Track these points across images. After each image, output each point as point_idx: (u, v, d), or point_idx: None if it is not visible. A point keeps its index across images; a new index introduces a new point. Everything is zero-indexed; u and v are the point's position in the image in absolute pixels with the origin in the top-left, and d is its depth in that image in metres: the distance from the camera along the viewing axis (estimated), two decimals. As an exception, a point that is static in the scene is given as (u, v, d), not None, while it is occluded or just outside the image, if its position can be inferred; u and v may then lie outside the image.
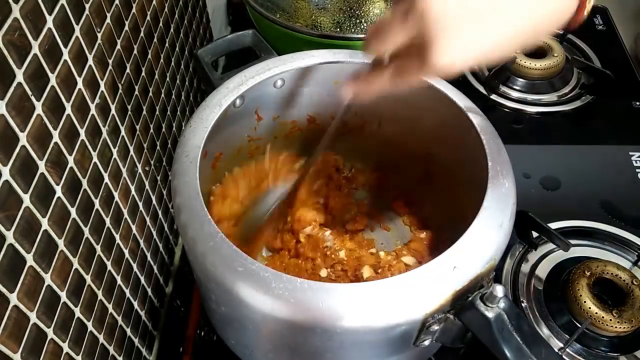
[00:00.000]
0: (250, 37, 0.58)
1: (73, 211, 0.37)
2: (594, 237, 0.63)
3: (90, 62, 0.39)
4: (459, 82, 0.80)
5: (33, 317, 0.33)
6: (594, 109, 0.79)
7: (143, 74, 0.50)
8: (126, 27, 0.46)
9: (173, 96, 0.60)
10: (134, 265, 0.49)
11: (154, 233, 0.55)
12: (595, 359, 0.53)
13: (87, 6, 0.38)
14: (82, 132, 0.38)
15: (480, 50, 0.32)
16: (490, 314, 0.36)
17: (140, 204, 0.50)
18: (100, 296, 0.42)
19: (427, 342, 0.40)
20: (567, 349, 0.53)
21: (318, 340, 0.38)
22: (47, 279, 0.34)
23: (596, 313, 0.53)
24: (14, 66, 0.30)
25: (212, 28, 0.80)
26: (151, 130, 0.53)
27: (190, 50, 0.66)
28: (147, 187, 0.52)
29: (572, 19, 0.34)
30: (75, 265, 0.38)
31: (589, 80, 0.81)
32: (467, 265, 0.37)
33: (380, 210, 0.62)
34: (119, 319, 0.46)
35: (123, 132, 0.46)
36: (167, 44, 0.57)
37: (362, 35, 0.67)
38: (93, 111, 0.40)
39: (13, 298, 0.30)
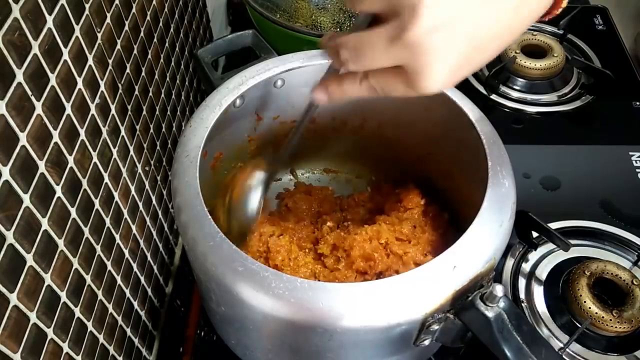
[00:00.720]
0: (250, 37, 0.58)
1: (73, 211, 0.37)
2: (594, 237, 0.63)
3: (90, 62, 0.39)
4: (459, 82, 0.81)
5: (33, 317, 0.33)
6: (594, 109, 0.79)
7: (143, 74, 0.50)
8: (126, 27, 0.46)
9: (173, 96, 0.60)
10: (134, 265, 0.49)
11: (154, 233, 0.55)
12: (595, 359, 0.53)
13: (87, 6, 0.38)
14: (82, 132, 0.38)
15: (467, 71, 0.32)
16: (490, 314, 0.36)
17: (140, 204, 0.50)
18: (100, 296, 0.42)
19: (427, 342, 0.40)
20: (567, 349, 0.53)
21: (318, 340, 0.38)
22: (47, 279, 0.34)
23: (596, 313, 0.53)
24: (14, 66, 0.30)
25: (212, 28, 0.80)
26: (151, 130, 0.53)
27: (190, 50, 0.66)
28: (147, 187, 0.52)
29: (548, 11, 0.34)
30: (75, 265, 0.38)
31: (589, 80, 0.81)
32: (467, 265, 0.37)
33: (380, 211, 0.62)
34: (119, 319, 0.46)
35: (123, 132, 0.46)
36: (167, 44, 0.57)
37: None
38: (93, 111, 0.40)
39: (13, 298, 0.30)
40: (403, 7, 0.29)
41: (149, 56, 0.52)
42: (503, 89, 0.81)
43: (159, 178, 0.56)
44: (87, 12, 0.38)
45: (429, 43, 0.29)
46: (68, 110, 0.36)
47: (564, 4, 0.34)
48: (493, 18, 0.30)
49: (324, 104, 0.39)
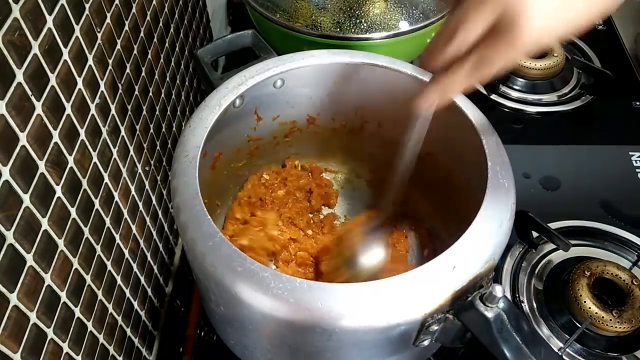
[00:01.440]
0: (250, 37, 0.58)
1: (73, 211, 0.37)
2: (594, 237, 0.63)
3: (90, 62, 0.39)
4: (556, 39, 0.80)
5: (33, 317, 0.33)
6: (594, 109, 0.79)
7: (143, 74, 0.50)
8: (126, 27, 0.46)
9: (173, 96, 0.60)
10: (134, 265, 0.49)
11: (154, 233, 0.55)
12: (595, 359, 0.53)
13: (87, 6, 0.38)
14: (82, 132, 0.38)
15: (567, 18, 0.32)
16: (489, 314, 0.36)
17: (140, 204, 0.50)
18: (100, 296, 0.42)
19: (426, 342, 0.40)
20: (567, 349, 0.53)
21: (317, 340, 0.38)
22: (47, 279, 0.34)
23: (596, 313, 0.53)
24: (14, 66, 0.30)
25: (212, 28, 0.80)
26: (151, 130, 0.53)
27: (190, 50, 0.66)
28: (147, 187, 0.52)
29: None
30: (75, 265, 0.38)
31: (589, 80, 0.81)
32: (466, 265, 0.37)
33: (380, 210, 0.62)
34: (119, 319, 0.46)
35: (123, 132, 0.46)
36: (167, 44, 0.57)
37: (362, 35, 0.67)
38: (93, 111, 0.40)
39: (13, 298, 0.30)
40: None
41: (149, 56, 0.52)
42: (503, 88, 0.81)
43: (159, 178, 0.56)
44: (87, 12, 0.38)
45: None
46: (68, 110, 0.36)
47: None
48: None
49: (430, 112, 0.39)
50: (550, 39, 0.32)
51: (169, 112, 0.59)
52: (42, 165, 0.33)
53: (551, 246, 0.61)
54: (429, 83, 0.37)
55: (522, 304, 0.57)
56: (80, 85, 0.38)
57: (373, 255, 0.50)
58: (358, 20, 0.68)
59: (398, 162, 0.44)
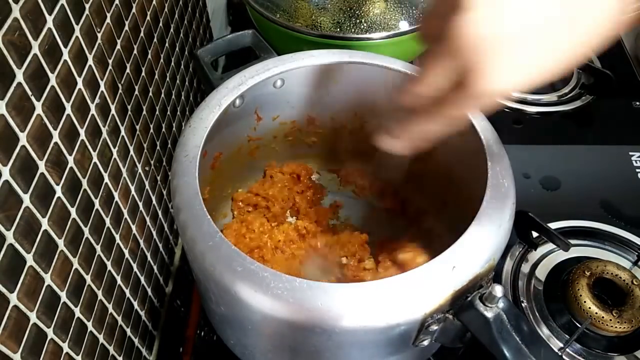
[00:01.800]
0: (250, 37, 0.58)
1: (73, 211, 0.37)
2: (594, 237, 0.63)
3: (90, 62, 0.39)
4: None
5: (33, 317, 0.33)
6: (594, 109, 0.79)
7: (143, 74, 0.50)
8: (126, 27, 0.46)
9: (173, 96, 0.60)
10: (134, 265, 0.49)
11: (154, 233, 0.55)
12: (595, 359, 0.53)
13: (87, 6, 0.38)
14: (82, 132, 0.38)
15: (530, 71, 0.30)
16: (489, 314, 0.36)
17: (140, 204, 0.50)
18: (100, 296, 0.42)
19: (426, 342, 0.40)
20: (567, 349, 0.53)
21: (317, 340, 0.38)
22: (47, 279, 0.34)
23: (596, 313, 0.53)
24: (14, 66, 0.30)
25: (212, 28, 0.80)
26: (151, 130, 0.53)
27: (190, 50, 0.66)
28: (147, 187, 0.52)
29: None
30: (75, 265, 0.38)
31: (589, 80, 0.81)
32: (466, 265, 0.37)
33: (379, 210, 0.62)
34: (119, 319, 0.46)
35: (123, 132, 0.46)
36: (167, 44, 0.57)
37: (362, 35, 0.67)
38: (93, 111, 0.40)
39: (13, 298, 0.30)
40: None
41: (149, 56, 0.52)
42: (503, 89, 0.80)
43: (159, 178, 0.56)
44: (87, 12, 0.38)
45: (475, 32, 0.28)
46: (68, 110, 0.36)
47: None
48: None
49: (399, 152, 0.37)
50: (523, 87, 0.30)
51: (169, 112, 0.59)
52: (42, 165, 0.33)
53: (551, 246, 0.61)
54: (396, 123, 0.36)
55: (522, 304, 0.57)
56: (80, 85, 0.38)
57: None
58: (358, 20, 0.68)
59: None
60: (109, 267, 0.44)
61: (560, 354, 0.53)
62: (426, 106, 0.33)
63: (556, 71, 0.30)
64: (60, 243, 0.36)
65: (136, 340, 0.51)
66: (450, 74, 0.30)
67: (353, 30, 0.67)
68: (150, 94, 0.52)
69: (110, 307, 0.44)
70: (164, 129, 0.57)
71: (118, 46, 0.44)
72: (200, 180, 0.41)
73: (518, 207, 0.42)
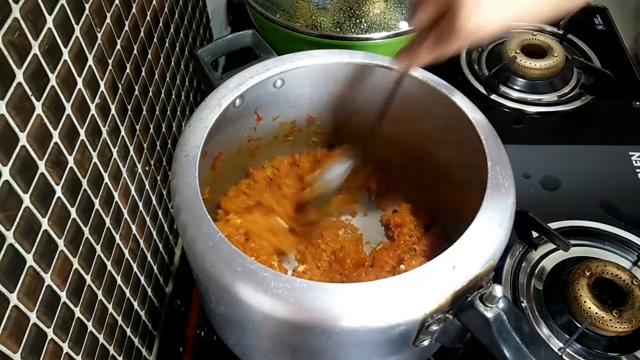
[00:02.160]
0: (250, 37, 0.58)
1: (73, 211, 0.37)
2: (594, 237, 0.63)
3: (90, 62, 0.39)
4: (459, 82, 0.81)
5: (33, 317, 0.33)
6: (594, 109, 0.79)
7: (143, 74, 0.50)
8: (126, 27, 0.46)
9: (173, 96, 0.60)
10: (134, 265, 0.49)
11: (154, 233, 0.55)
12: (595, 359, 0.53)
13: (87, 6, 0.38)
14: (82, 132, 0.38)
15: (507, 12, 0.35)
16: (489, 314, 0.36)
17: (140, 204, 0.50)
18: (100, 296, 0.42)
19: (426, 342, 0.40)
20: (567, 349, 0.53)
21: (317, 340, 0.38)
22: (47, 279, 0.34)
23: (596, 313, 0.53)
24: (14, 66, 0.30)
25: (212, 28, 0.80)
26: (151, 130, 0.53)
27: (190, 50, 0.66)
28: (147, 187, 0.52)
29: None
30: (75, 265, 0.38)
31: (589, 80, 0.81)
32: (466, 265, 0.37)
33: (379, 211, 0.62)
34: (119, 319, 0.46)
35: (123, 132, 0.46)
36: (167, 44, 0.57)
37: (362, 35, 0.67)
38: (93, 111, 0.40)
39: (13, 298, 0.30)
40: None
41: (149, 56, 0.52)
42: (503, 89, 0.81)
43: (159, 178, 0.56)
44: (87, 12, 0.38)
45: None
46: (68, 110, 0.36)
47: None
48: None
49: (404, 71, 0.46)
50: (491, 29, 0.35)
51: (169, 112, 0.59)
52: (42, 165, 0.33)
53: (551, 246, 0.61)
54: (402, 50, 0.42)
55: (522, 304, 0.57)
56: (80, 85, 0.38)
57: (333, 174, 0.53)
58: (358, 20, 0.68)
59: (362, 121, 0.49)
60: (109, 267, 0.44)
61: (560, 354, 0.53)
62: (420, 37, 0.39)
63: (535, 14, 0.36)
64: (60, 243, 0.36)
65: (136, 340, 0.51)
66: (436, 8, 0.36)
67: (353, 30, 0.67)
68: (150, 94, 0.52)
69: (110, 307, 0.44)
70: (164, 129, 0.57)
71: (118, 46, 0.44)
72: (200, 180, 0.41)
73: (518, 207, 0.42)
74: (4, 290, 0.30)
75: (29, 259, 0.32)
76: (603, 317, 0.53)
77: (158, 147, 0.55)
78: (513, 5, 0.35)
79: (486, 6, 0.34)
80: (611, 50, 0.88)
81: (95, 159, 0.40)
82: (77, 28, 0.37)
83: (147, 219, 0.53)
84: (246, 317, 0.39)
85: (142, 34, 0.50)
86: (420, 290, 0.36)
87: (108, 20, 0.42)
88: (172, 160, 0.44)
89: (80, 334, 0.39)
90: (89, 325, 0.40)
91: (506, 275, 0.59)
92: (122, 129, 0.46)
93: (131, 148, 0.48)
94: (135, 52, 0.48)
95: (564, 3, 0.36)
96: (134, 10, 0.47)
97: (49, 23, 0.33)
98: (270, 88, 0.51)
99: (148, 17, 0.51)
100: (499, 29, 0.35)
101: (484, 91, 0.79)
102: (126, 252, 0.47)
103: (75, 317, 0.38)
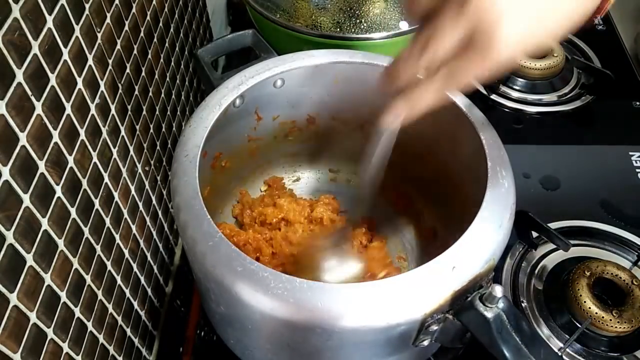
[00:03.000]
0: (250, 37, 0.58)
1: (73, 211, 0.37)
2: (594, 237, 0.63)
3: (90, 62, 0.39)
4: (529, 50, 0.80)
5: (33, 317, 0.33)
6: (594, 109, 0.79)
7: (143, 74, 0.50)
8: (126, 27, 0.46)
9: (173, 96, 0.60)
10: (134, 265, 0.49)
11: (154, 233, 0.55)
12: (595, 359, 0.53)
13: (87, 6, 0.38)
14: (82, 132, 0.38)
15: (545, 27, 0.32)
16: (489, 314, 0.36)
17: (140, 204, 0.50)
18: (100, 296, 0.42)
19: (426, 342, 0.40)
20: (567, 349, 0.53)
21: (317, 340, 0.38)
22: (47, 279, 0.34)
23: (596, 313, 0.53)
24: (14, 66, 0.30)
25: (212, 28, 0.80)
26: (151, 130, 0.53)
27: (190, 50, 0.66)
28: (147, 187, 0.52)
29: (596, 9, 0.35)
30: (75, 265, 0.38)
31: (589, 80, 0.81)
32: (466, 266, 0.37)
33: (379, 211, 0.62)
34: (119, 319, 0.46)
35: (123, 132, 0.46)
36: (167, 44, 0.57)
37: (362, 35, 0.67)
38: (93, 111, 0.40)
39: (13, 298, 0.30)
40: None
41: (149, 56, 0.52)
42: (503, 89, 0.81)
43: (159, 178, 0.56)
44: (87, 12, 0.38)
45: (495, 2, 0.30)
46: (68, 110, 0.36)
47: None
48: None
49: (396, 126, 0.38)
50: (526, 50, 0.32)
51: (169, 112, 0.59)
52: (42, 165, 0.33)
53: (551, 246, 0.61)
54: (397, 97, 0.36)
55: (522, 304, 0.57)
56: (80, 85, 0.38)
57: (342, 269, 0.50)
58: (358, 20, 0.68)
59: (363, 174, 0.43)
60: (109, 267, 0.44)
61: (560, 354, 0.53)
62: (436, 68, 0.33)
63: (563, 30, 0.33)
64: (60, 243, 0.36)
65: (136, 340, 0.51)
66: (462, 32, 0.31)
67: (353, 30, 0.67)
68: (150, 94, 0.52)
69: (110, 307, 0.44)
70: (164, 129, 0.57)
71: (118, 46, 0.44)
72: (200, 180, 0.41)
73: (518, 207, 0.42)
74: (4, 290, 0.30)
75: (29, 259, 0.32)
76: (603, 317, 0.53)
77: (158, 147, 0.55)
78: (549, 21, 0.32)
79: (525, 24, 0.31)
80: (611, 50, 0.88)
81: (95, 159, 0.40)
82: (77, 28, 0.37)
83: (147, 219, 0.53)
84: (246, 316, 0.39)
85: (142, 34, 0.50)
86: (420, 290, 0.36)
87: (108, 20, 0.42)
88: (172, 160, 0.44)
89: (80, 334, 0.39)
90: (89, 325, 0.40)
91: (506, 275, 0.59)
92: (122, 129, 0.46)
93: (131, 148, 0.48)
94: (135, 52, 0.48)
95: (578, 18, 0.33)
96: (134, 10, 0.47)
97: (49, 23, 0.33)
98: (271, 88, 0.51)
99: (148, 17, 0.51)
100: (534, 49, 0.32)
101: (483, 91, 0.79)
102: (126, 252, 0.47)
103: (75, 317, 0.38)
